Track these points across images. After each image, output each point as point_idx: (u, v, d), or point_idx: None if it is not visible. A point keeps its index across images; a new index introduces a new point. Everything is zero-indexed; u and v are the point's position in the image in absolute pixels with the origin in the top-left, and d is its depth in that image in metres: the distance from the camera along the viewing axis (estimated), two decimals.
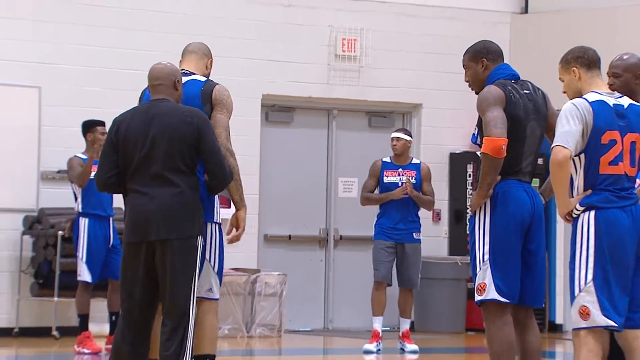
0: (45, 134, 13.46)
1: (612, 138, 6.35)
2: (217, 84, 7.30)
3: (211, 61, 7.49)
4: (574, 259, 6.33)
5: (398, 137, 12.43)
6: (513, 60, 15.50)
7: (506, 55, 17.81)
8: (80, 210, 11.74)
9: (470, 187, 15.34)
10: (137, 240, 6.90)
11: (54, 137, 13.43)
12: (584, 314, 6.26)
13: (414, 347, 12.34)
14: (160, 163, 6.86)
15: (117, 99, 13.25)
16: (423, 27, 15.25)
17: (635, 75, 7.67)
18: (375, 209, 12.54)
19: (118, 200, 11.15)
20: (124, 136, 6.93)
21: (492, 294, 6.92)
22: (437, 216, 15.29)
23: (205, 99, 7.18)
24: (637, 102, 7.89)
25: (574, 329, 6.33)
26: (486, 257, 6.97)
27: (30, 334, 13.22)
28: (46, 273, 13.11)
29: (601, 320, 6.25)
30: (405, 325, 12.46)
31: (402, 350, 12.40)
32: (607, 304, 6.26)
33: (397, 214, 12.28)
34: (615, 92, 6.59)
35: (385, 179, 12.35)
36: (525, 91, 7.21)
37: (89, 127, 11.90)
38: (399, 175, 12.34)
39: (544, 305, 7.03)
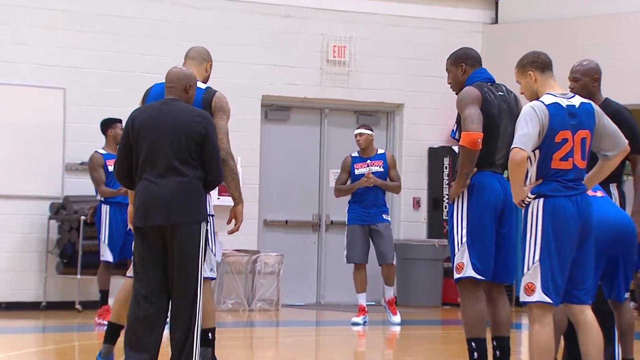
0: (69, 130, 13.42)
1: (565, 137, 6.29)
2: (217, 91, 7.18)
3: (210, 64, 7.36)
4: (524, 240, 6.29)
5: (361, 133, 12.39)
6: (485, 65, 15.67)
7: None
8: (102, 198, 11.75)
9: (447, 178, 15.32)
10: (148, 224, 6.76)
11: (77, 133, 13.38)
12: (529, 289, 6.21)
13: (397, 318, 12.35)
14: (171, 154, 6.72)
15: (134, 100, 12.95)
16: (405, 35, 15.21)
17: (592, 79, 7.79)
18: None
19: None
20: (138, 128, 6.80)
21: (469, 271, 6.92)
22: (417, 203, 15.29)
23: (206, 105, 7.07)
24: (595, 101, 8.04)
25: (522, 303, 6.30)
26: (464, 239, 6.98)
27: (56, 308, 13.23)
28: (70, 253, 13.12)
29: (540, 296, 6.22)
30: (390, 292, 12.44)
31: (388, 321, 12.39)
32: (549, 282, 6.21)
33: (367, 199, 12.26)
34: (569, 92, 6.57)
35: (356, 171, 12.32)
36: (499, 93, 7.19)
37: (109, 124, 11.91)
38: (367, 166, 12.33)
39: (513, 282, 6.96)
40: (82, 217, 12.88)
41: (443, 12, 15.50)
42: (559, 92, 6.44)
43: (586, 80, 7.68)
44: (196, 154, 6.77)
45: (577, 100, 6.44)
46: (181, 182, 6.74)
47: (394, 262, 12.45)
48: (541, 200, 6.26)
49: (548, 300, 6.21)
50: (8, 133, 13.20)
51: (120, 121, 11.69)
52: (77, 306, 13.12)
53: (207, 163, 6.80)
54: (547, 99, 6.34)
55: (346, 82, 15.08)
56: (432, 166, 15.41)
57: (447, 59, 7.37)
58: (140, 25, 13.88)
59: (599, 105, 7.74)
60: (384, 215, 12.35)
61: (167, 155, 6.74)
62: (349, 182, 12.38)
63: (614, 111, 7.71)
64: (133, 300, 6.78)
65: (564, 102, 6.38)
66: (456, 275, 7.04)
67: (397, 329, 12.25)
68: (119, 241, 11.72)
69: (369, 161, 12.38)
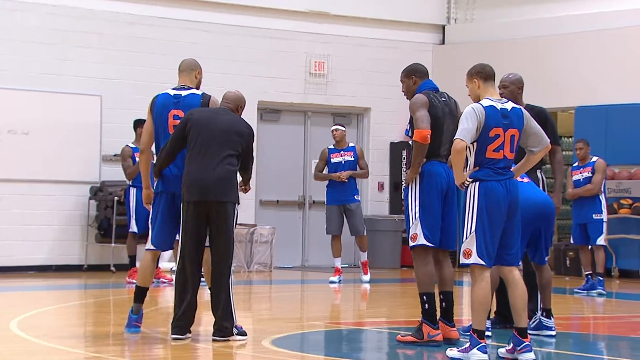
0: (105, 129, 13.40)
1: (497, 133, 6.28)
2: (210, 95, 7.14)
3: (199, 72, 7.24)
4: (464, 215, 6.29)
5: (336, 129, 12.36)
6: (434, 77, 15.71)
7: (431, 75, 18.14)
8: (130, 182, 11.66)
9: (405, 166, 15.50)
10: (198, 199, 6.75)
11: (111, 131, 13.38)
12: (467, 254, 6.22)
13: (367, 277, 12.33)
14: (222, 146, 6.79)
15: None
16: (370, 53, 15.21)
17: (517, 87, 7.89)
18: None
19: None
20: (195, 123, 6.81)
21: (421, 240, 6.95)
22: (381, 187, 15.34)
23: (204, 107, 7.07)
24: (519, 105, 8.12)
25: (461, 265, 6.33)
26: (417, 215, 6.99)
27: (95, 270, 13.26)
28: (106, 226, 13.15)
29: (476, 259, 6.21)
30: (363, 257, 12.42)
31: (359, 280, 12.43)
32: (482, 248, 6.20)
33: (341, 184, 12.23)
34: (504, 98, 6.59)
35: (332, 160, 12.29)
36: (442, 99, 7.20)
37: (140, 123, 11.61)
38: (341, 156, 12.28)
39: (455, 248, 6.97)
40: (115, 198, 12.90)
41: (400, 35, 15.48)
42: (496, 98, 6.45)
43: (513, 88, 7.78)
44: (239, 152, 6.87)
45: (509, 105, 6.43)
46: (226, 169, 6.79)
47: (365, 234, 12.45)
48: (477, 184, 6.25)
49: (482, 262, 6.21)
50: (56, 131, 13.16)
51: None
52: (112, 268, 13.16)
53: (245, 161, 6.93)
54: (485, 102, 6.35)
55: (325, 90, 15.08)
56: (393, 157, 15.44)
57: (402, 72, 7.41)
58: (160, 45, 13.82)
59: (524, 107, 7.86)
60: (355, 197, 12.33)
61: (219, 146, 6.77)
62: (326, 169, 12.34)
63: (539, 111, 7.82)
64: (180, 260, 6.78)
65: (499, 106, 6.37)
66: (411, 244, 7.06)
67: (367, 286, 12.28)
68: (143, 216, 11.57)
69: (342, 152, 12.33)
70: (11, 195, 12.96)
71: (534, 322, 7.59)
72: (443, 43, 15.84)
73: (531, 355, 6.29)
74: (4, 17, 13.02)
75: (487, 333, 7.31)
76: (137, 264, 11.69)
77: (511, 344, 6.39)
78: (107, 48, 13.51)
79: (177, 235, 7.04)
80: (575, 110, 14.46)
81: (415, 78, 7.32)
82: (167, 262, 13.16)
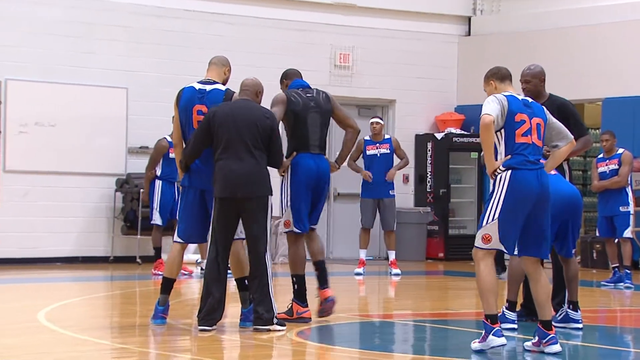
0: (131, 121, 13.44)
1: (522, 118, 6.27)
2: (234, 91, 7.20)
3: (229, 69, 7.34)
4: (489, 200, 6.23)
5: (376, 122, 12.45)
6: (460, 69, 15.69)
7: (454, 66, 18.07)
8: (156, 175, 11.67)
9: (430, 159, 15.48)
10: (228, 196, 6.85)
11: (137, 123, 13.41)
12: (486, 239, 6.17)
13: (397, 271, 12.33)
14: (246, 141, 6.85)
15: None
16: (396, 45, 15.17)
17: (540, 80, 7.84)
18: (359, 177, 12.52)
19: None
20: (219, 120, 6.87)
21: (291, 227, 7.28)
22: (406, 179, 15.27)
23: (227, 101, 7.14)
24: (542, 97, 8.02)
25: (476, 247, 6.23)
26: (288, 204, 7.29)
27: (121, 261, 13.31)
28: (131, 218, 13.19)
29: (498, 245, 6.18)
30: (392, 255, 12.45)
31: (383, 272, 12.49)
32: (506, 236, 6.18)
33: (377, 177, 12.30)
34: (521, 93, 6.60)
35: (367, 152, 12.35)
36: (307, 95, 7.47)
37: None
38: (377, 148, 12.37)
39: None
40: (141, 190, 12.81)
41: (425, 26, 15.43)
42: (515, 93, 6.44)
43: (535, 81, 7.72)
44: (264, 143, 6.92)
45: (529, 99, 6.48)
46: (254, 163, 6.86)
47: (394, 229, 12.47)
48: (509, 172, 6.21)
49: (502, 248, 6.22)
50: (83, 124, 13.22)
51: None
52: (137, 260, 13.20)
53: (273, 150, 6.97)
54: (505, 93, 6.38)
55: (350, 82, 15.06)
56: (418, 149, 15.35)
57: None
58: (186, 37, 13.87)
59: (546, 100, 7.83)
60: (390, 191, 12.39)
61: (243, 142, 6.84)
62: (361, 160, 12.42)
63: (560, 104, 7.77)
64: (211, 251, 6.85)
65: (519, 97, 6.41)
66: (284, 229, 7.41)
67: (392, 278, 12.22)
68: (168, 209, 11.67)
69: (378, 144, 12.41)
70: (38, 187, 13.04)
71: (560, 315, 7.56)
72: (469, 34, 15.76)
73: (557, 347, 6.27)
74: (31, 10, 13.10)
75: (513, 326, 7.32)
76: (163, 257, 11.81)
77: (536, 337, 6.38)
78: (133, 41, 13.55)
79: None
80: (603, 102, 14.36)
81: (285, 81, 7.67)
82: (192, 254, 13.21)
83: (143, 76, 13.57)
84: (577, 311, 7.52)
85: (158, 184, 11.69)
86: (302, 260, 7.37)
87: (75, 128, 13.15)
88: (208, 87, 7.20)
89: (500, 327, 6.21)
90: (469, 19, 15.79)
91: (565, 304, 7.57)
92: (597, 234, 12.35)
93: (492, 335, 6.16)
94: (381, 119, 12.67)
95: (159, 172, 11.68)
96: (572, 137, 6.57)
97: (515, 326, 7.33)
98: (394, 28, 15.24)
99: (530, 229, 6.27)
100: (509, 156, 6.25)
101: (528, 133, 6.26)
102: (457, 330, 7.72)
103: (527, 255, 6.36)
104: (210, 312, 6.88)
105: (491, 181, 6.30)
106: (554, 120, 6.49)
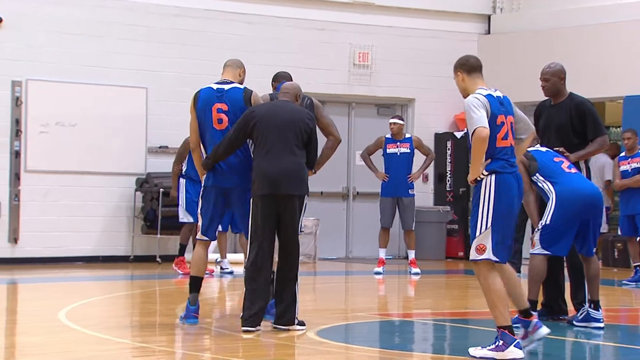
0: (150, 120, 13.46)
1: (502, 120, 6.00)
2: (252, 90, 7.26)
3: (243, 71, 7.39)
4: (477, 208, 5.95)
5: (395, 122, 12.37)
6: None
7: None
8: (183, 172, 11.60)
9: (449, 158, 15.43)
10: (268, 193, 6.83)
11: (156, 123, 13.44)
12: (480, 250, 5.90)
13: (417, 270, 12.32)
14: (288, 140, 6.87)
15: None
16: (415, 44, 15.15)
17: (559, 78, 7.79)
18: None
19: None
20: (260, 119, 6.90)
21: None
22: (425, 178, 15.23)
23: (246, 101, 7.17)
24: (562, 96, 7.99)
25: (472, 260, 5.97)
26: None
27: (141, 260, 13.35)
28: (151, 218, 13.20)
29: (491, 255, 5.90)
30: (411, 255, 12.44)
31: (405, 272, 12.40)
32: (499, 244, 5.91)
33: (397, 176, 12.30)
34: (492, 88, 6.13)
35: (388, 150, 12.31)
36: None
37: None
38: (397, 147, 12.31)
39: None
40: (161, 189, 12.92)
41: (444, 25, 15.40)
42: (486, 87, 6.15)
43: (554, 80, 7.67)
44: (303, 143, 6.95)
45: (500, 93, 6.17)
46: (294, 161, 6.88)
47: (414, 229, 12.46)
48: (494, 176, 5.96)
49: (496, 259, 5.94)
50: (103, 123, 13.27)
51: None
52: (157, 259, 13.22)
53: (310, 151, 7.00)
54: (483, 92, 6.09)
55: (368, 81, 15.05)
56: (437, 148, 15.30)
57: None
58: (205, 37, 13.89)
59: (565, 99, 7.77)
60: (409, 191, 12.34)
61: (286, 140, 6.87)
62: (381, 157, 12.38)
63: (578, 102, 7.73)
64: (252, 250, 6.85)
65: (495, 94, 6.11)
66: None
67: (411, 277, 12.22)
68: (195, 205, 11.66)
69: (398, 143, 12.37)
70: (59, 187, 13.10)
71: (581, 314, 7.52)
72: (489, 33, 15.73)
73: (545, 329, 6.13)
74: (51, 10, 13.16)
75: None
76: (187, 256, 11.76)
77: (522, 330, 6.18)
78: (152, 40, 13.59)
79: (220, 227, 7.11)
80: (624, 100, 14.28)
81: (274, 83, 7.73)
82: (212, 253, 13.24)
83: (163, 76, 13.61)
84: (598, 310, 7.47)
85: (182, 182, 11.68)
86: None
87: (95, 128, 13.20)
88: (226, 87, 7.24)
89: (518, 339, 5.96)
90: (489, 17, 15.75)
91: (586, 303, 7.53)
92: (619, 233, 12.28)
93: (514, 346, 5.87)
94: (401, 118, 12.59)
95: (184, 170, 11.65)
96: (534, 128, 6.40)
97: None
98: (413, 27, 15.23)
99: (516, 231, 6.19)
100: (489, 160, 6.00)
101: (507, 136, 6.04)
102: (477, 329, 7.70)
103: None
104: (253, 314, 6.86)
105: (472, 187, 6.07)
106: (519, 112, 6.26)
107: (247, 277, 6.91)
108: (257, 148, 6.92)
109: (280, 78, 7.78)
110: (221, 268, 12.11)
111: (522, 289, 6.21)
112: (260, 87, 8.04)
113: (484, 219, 5.93)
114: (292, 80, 7.73)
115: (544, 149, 7.56)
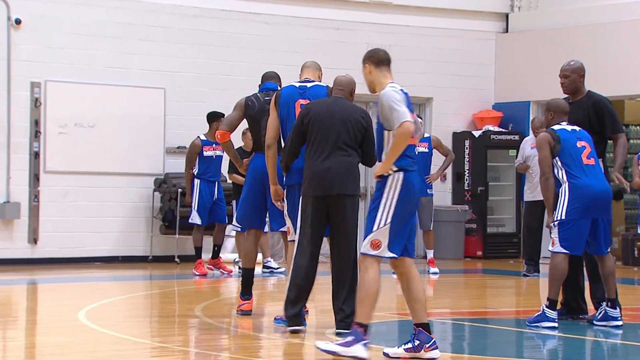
0: (168, 121, 13.48)
1: (412, 118, 5.89)
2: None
3: (321, 73, 7.50)
4: (378, 204, 5.80)
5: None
6: (497, 67, 15.60)
7: (492, 63, 17.96)
8: (195, 174, 11.68)
9: (467, 157, 15.39)
10: (320, 194, 6.69)
11: (174, 123, 13.46)
12: (375, 245, 5.75)
13: (436, 269, 12.27)
14: (340, 138, 6.71)
15: (219, 97, 13.28)
16: (432, 43, 15.11)
17: (579, 75, 7.77)
18: None
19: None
20: (313, 116, 6.79)
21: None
22: (444, 177, 15.12)
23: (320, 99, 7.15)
24: (581, 93, 7.92)
25: (362, 254, 5.81)
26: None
27: (160, 261, 13.35)
28: (170, 218, 13.20)
29: (386, 252, 5.77)
30: (430, 254, 12.42)
31: (428, 272, 12.30)
32: (395, 241, 5.79)
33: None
34: (397, 84, 5.99)
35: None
36: (266, 98, 7.60)
37: (215, 117, 11.53)
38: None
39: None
40: (179, 190, 12.95)
41: (462, 24, 15.35)
42: (395, 82, 6.04)
43: (574, 77, 7.66)
44: (357, 141, 6.79)
45: (404, 89, 6.06)
46: (347, 160, 6.73)
47: (432, 229, 12.42)
48: (402, 174, 5.85)
49: (392, 255, 5.79)
50: (121, 124, 13.31)
51: (223, 115, 11.22)
52: (176, 259, 13.24)
53: (367, 149, 6.81)
54: (396, 86, 5.97)
55: None
56: (455, 147, 15.24)
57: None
58: (222, 37, 13.90)
59: (583, 96, 7.75)
60: (428, 190, 12.25)
61: (337, 139, 6.73)
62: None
63: (597, 100, 7.71)
64: (298, 250, 6.75)
65: (404, 90, 6.02)
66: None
67: (430, 277, 12.19)
68: (207, 208, 11.69)
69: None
70: (78, 187, 13.15)
71: (600, 313, 7.49)
72: (507, 31, 15.66)
73: (437, 352, 5.93)
74: (69, 11, 13.22)
75: (554, 324, 7.24)
76: (204, 256, 11.84)
77: (417, 341, 5.98)
78: (171, 41, 13.62)
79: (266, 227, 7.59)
80: None
81: (260, 84, 7.87)
82: (230, 253, 13.26)
83: (181, 76, 13.63)
84: (615, 308, 7.44)
85: (196, 183, 11.71)
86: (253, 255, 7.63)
87: (114, 128, 13.25)
88: (309, 85, 7.30)
89: (367, 340, 5.79)
90: (507, 15, 15.70)
91: (604, 302, 7.50)
92: (638, 232, 12.22)
93: (361, 345, 5.76)
94: (419, 117, 12.59)
95: (197, 172, 11.71)
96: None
97: (556, 325, 7.25)
98: (431, 25, 15.20)
99: (408, 229, 5.92)
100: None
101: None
102: (496, 328, 7.67)
103: (407, 257, 5.96)
104: (299, 312, 6.81)
105: (374, 181, 5.91)
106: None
107: (292, 276, 6.83)
108: (310, 146, 6.80)
109: (265, 78, 7.85)
110: (239, 268, 12.08)
111: (423, 299, 6.00)
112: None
113: (384, 215, 5.79)
114: (279, 81, 7.75)
115: (569, 127, 7.43)
